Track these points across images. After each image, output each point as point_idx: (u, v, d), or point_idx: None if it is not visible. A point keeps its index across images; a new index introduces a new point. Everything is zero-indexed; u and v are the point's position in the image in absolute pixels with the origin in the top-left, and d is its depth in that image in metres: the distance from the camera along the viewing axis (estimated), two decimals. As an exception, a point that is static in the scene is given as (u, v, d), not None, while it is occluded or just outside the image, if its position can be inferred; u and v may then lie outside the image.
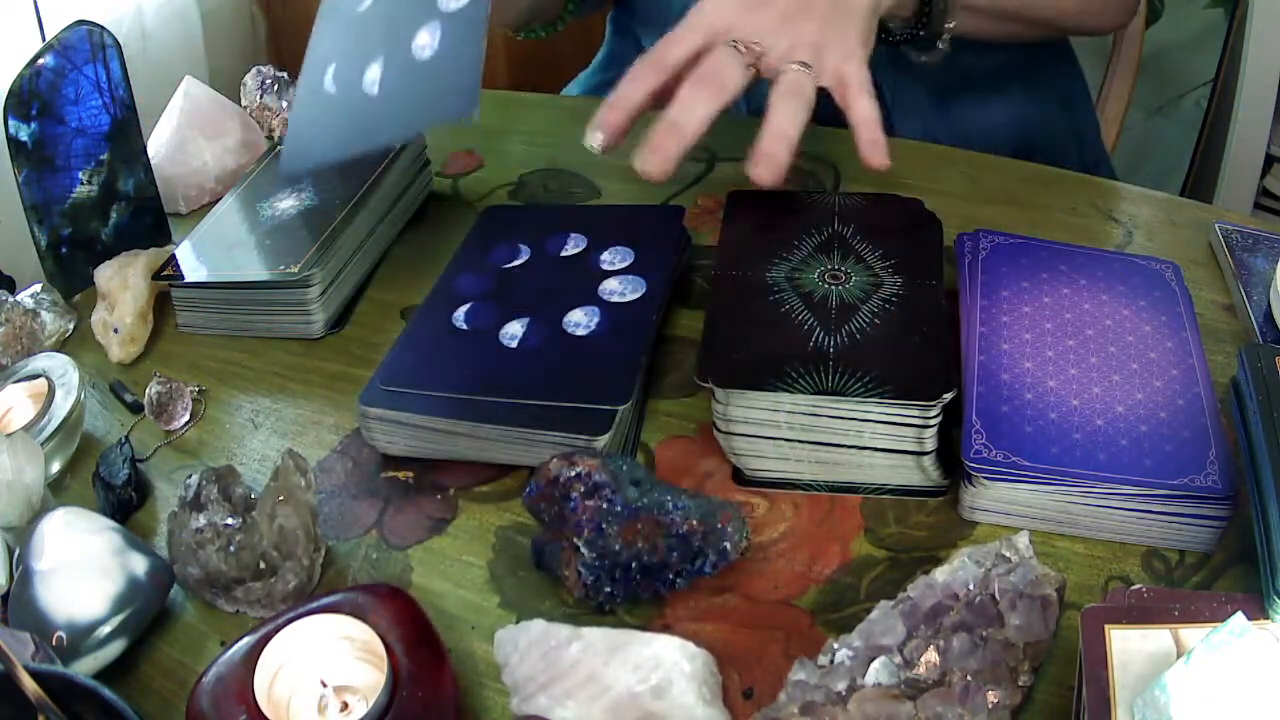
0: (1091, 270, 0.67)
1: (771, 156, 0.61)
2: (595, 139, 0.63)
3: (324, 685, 0.49)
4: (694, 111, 0.62)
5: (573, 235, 0.74)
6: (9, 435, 0.59)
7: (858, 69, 0.63)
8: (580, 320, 0.66)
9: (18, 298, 0.76)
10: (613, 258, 0.72)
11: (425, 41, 0.59)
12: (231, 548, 0.55)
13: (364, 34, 0.63)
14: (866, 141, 0.63)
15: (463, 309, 0.68)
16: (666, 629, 0.53)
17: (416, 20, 0.60)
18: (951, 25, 0.73)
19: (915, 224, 0.68)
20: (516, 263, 0.73)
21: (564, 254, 0.73)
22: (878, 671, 0.46)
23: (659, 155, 0.61)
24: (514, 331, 0.66)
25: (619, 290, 0.68)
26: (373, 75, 0.60)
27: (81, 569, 0.53)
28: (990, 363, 0.60)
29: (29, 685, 0.45)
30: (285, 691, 0.49)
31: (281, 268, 0.73)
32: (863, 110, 0.63)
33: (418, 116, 0.62)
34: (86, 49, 0.76)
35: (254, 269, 0.74)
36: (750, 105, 0.99)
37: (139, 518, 0.63)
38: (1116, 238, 0.78)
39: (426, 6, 0.60)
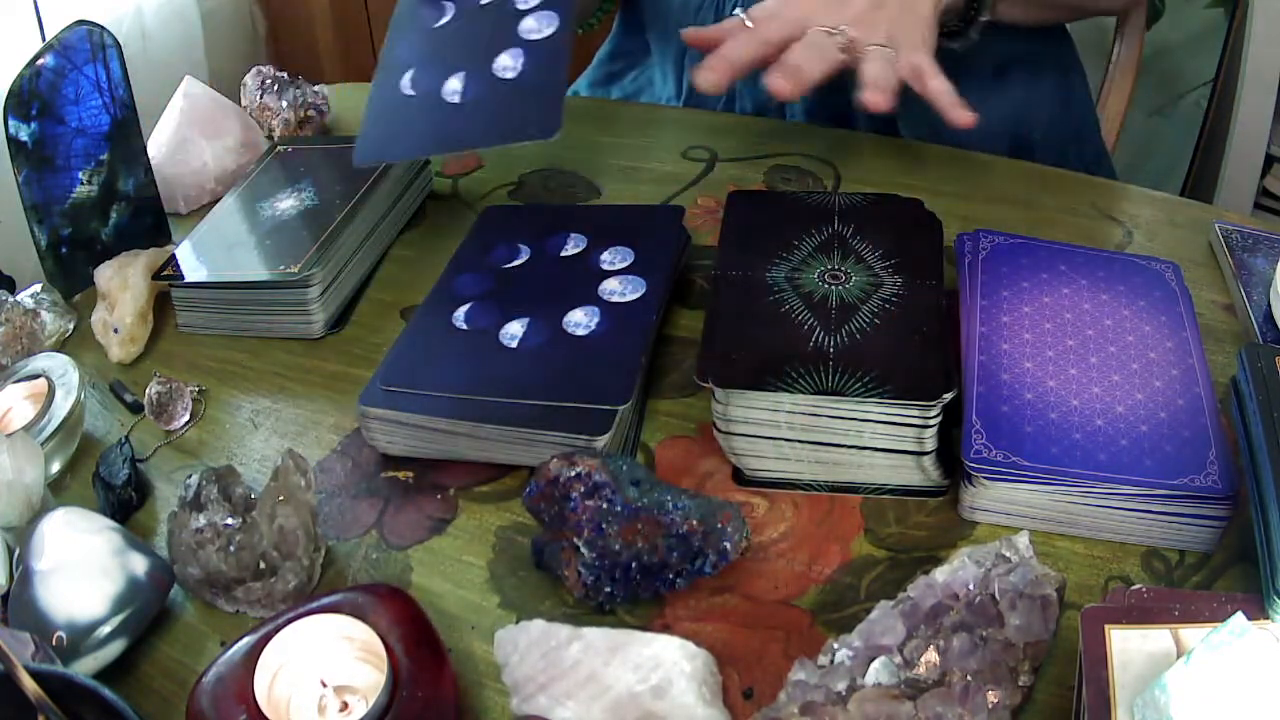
0: (1091, 270, 0.67)
1: (881, 91, 0.67)
2: (707, 78, 0.69)
3: (324, 685, 0.49)
4: (811, 66, 0.68)
5: (573, 235, 0.74)
6: (9, 435, 0.59)
7: (927, 59, 0.70)
8: (580, 320, 0.66)
9: (18, 298, 0.76)
10: (613, 258, 0.72)
11: (508, 64, 0.67)
12: (231, 548, 0.55)
13: (443, 47, 0.71)
14: (949, 105, 0.69)
15: (463, 309, 0.68)
16: (666, 629, 0.53)
17: (499, 43, 0.68)
18: (986, 18, 0.80)
19: (915, 224, 0.68)
20: (516, 263, 0.73)
21: (564, 254, 0.73)
22: (878, 671, 0.46)
23: (793, 81, 0.68)
24: (514, 331, 0.66)
25: (619, 290, 0.68)
26: (453, 85, 0.68)
27: (81, 569, 0.53)
28: (990, 363, 0.60)
29: (29, 685, 0.45)
30: (285, 691, 0.49)
31: (281, 268, 0.73)
32: (940, 85, 0.70)
33: (504, 129, 0.68)
34: (86, 49, 0.76)
35: (254, 269, 0.74)
36: (754, 104, 0.99)
37: (139, 518, 0.63)
38: (1116, 238, 0.77)
39: (508, 32, 0.68)
